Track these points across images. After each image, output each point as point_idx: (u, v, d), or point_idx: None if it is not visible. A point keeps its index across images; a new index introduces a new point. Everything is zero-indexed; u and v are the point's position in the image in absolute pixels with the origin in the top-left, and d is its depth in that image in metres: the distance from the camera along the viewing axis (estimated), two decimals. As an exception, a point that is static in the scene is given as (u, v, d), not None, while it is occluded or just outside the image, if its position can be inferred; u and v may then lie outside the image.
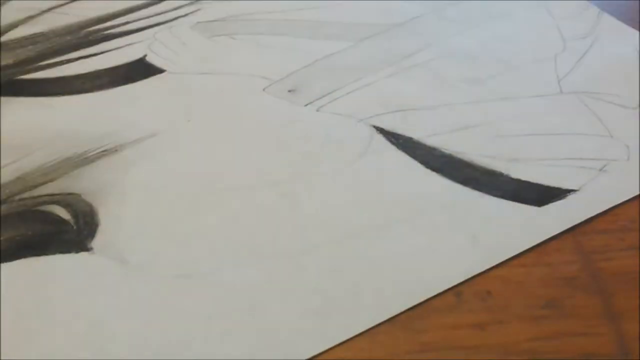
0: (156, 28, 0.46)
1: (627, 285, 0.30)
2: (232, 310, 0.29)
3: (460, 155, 0.36)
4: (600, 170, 0.35)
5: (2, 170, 0.35)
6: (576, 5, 0.49)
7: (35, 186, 0.34)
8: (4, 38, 0.45)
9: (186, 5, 0.49)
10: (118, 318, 0.28)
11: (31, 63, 0.43)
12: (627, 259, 0.31)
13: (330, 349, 0.27)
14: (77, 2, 0.49)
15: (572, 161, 0.36)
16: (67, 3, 0.49)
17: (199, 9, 0.48)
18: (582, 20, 0.47)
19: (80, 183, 0.34)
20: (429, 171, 0.35)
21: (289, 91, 0.41)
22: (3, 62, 0.42)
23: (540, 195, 0.34)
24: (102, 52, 0.44)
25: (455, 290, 0.29)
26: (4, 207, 0.33)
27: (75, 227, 0.32)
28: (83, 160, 0.36)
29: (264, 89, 0.41)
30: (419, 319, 0.28)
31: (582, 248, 0.31)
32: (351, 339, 0.28)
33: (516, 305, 0.29)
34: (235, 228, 0.32)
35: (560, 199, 0.34)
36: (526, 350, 0.27)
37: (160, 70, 0.42)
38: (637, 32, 0.46)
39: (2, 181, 0.34)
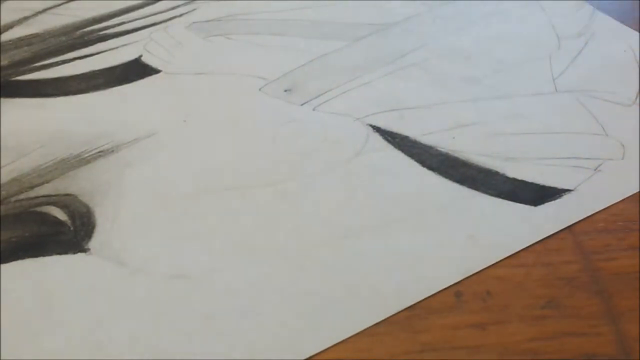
0: (152, 28, 0.46)
1: (627, 285, 0.30)
2: (230, 310, 0.28)
3: (456, 154, 0.36)
4: (596, 169, 0.35)
5: (-2, 171, 0.35)
6: (571, 4, 0.49)
7: (32, 187, 0.34)
8: (-1, 39, 0.45)
9: (182, 5, 0.48)
10: (116, 319, 0.28)
11: (26, 64, 0.42)
12: (627, 259, 0.31)
13: (329, 348, 0.27)
14: (72, 2, 0.49)
15: (568, 160, 0.36)
16: (62, 4, 0.49)
17: (194, 9, 0.48)
18: (576, 19, 0.48)
19: (77, 184, 0.34)
20: (425, 170, 0.35)
21: (285, 91, 0.41)
22: (-2, 63, 0.42)
23: (535, 194, 0.34)
24: (97, 53, 0.44)
25: (455, 290, 0.29)
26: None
27: (72, 228, 0.32)
28: (79, 161, 0.35)
29: (260, 89, 0.41)
30: (419, 319, 0.28)
31: (582, 248, 0.31)
32: (350, 338, 0.28)
33: (516, 305, 0.29)
34: (233, 228, 0.32)
35: (555, 198, 0.34)
36: (526, 350, 0.27)
37: (156, 71, 0.42)
38: (632, 30, 0.46)
39: (-1, 182, 0.34)
